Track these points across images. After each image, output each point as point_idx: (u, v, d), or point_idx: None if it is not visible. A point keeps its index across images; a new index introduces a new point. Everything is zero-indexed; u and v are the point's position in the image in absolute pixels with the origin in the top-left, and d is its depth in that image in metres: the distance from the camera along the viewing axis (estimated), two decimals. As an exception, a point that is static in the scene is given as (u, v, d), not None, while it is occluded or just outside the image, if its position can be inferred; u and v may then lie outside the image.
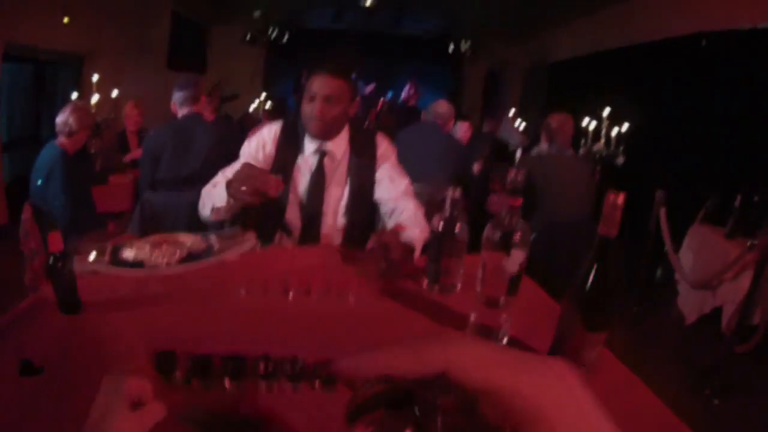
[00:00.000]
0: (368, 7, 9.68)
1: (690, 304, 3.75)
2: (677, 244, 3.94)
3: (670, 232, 3.85)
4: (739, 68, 4.97)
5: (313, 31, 11.51)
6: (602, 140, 6.51)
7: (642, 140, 6.11)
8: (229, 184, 1.64)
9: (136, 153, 4.46)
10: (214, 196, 1.80)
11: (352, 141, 2.11)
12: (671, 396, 1.04)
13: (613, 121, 6.37)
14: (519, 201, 1.08)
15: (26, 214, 3.01)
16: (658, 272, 4.57)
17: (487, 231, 1.11)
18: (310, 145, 2.07)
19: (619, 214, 0.89)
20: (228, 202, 1.70)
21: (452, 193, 1.37)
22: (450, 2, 9.31)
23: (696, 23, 5.49)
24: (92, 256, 1.51)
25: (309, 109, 1.97)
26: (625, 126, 6.20)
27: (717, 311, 3.46)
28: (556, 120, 3.71)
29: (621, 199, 0.89)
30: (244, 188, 1.56)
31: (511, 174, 1.06)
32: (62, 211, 3.14)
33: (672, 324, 3.87)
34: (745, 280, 3.15)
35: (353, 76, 2.05)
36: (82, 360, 1.02)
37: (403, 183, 2.08)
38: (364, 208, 2.12)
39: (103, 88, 5.73)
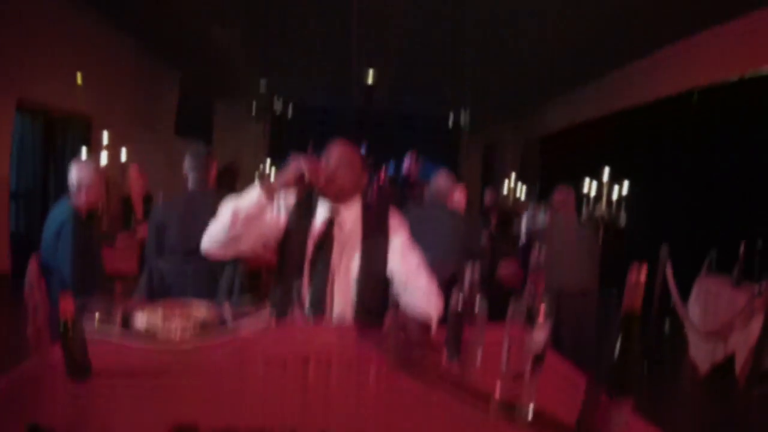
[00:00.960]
0: (370, 85, 10.05)
1: (702, 354, 3.69)
2: (683, 297, 3.92)
3: (676, 285, 3.84)
4: (730, 118, 5.13)
5: (317, 108, 11.96)
6: (603, 203, 6.62)
7: (642, 199, 6.20)
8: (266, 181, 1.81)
9: (143, 228, 4.38)
10: (239, 202, 1.83)
11: (365, 213, 2.13)
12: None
13: (612, 184, 6.49)
14: (542, 278, 1.10)
15: (33, 266, 2.97)
16: (667, 326, 4.53)
17: (512, 307, 1.12)
18: (322, 212, 2.07)
19: (642, 288, 0.91)
20: (259, 199, 1.79)
21: (471, 273, 1.38)
22: (447, 81, 9.71)
23: (686, 81, 5.71)
24: (103, 321, 1.49)
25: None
26: (625, 188, 6.30)
27: (729, 358, 3.41)
28: (560, 194, 3.73)
29: (644, 273, 0.90)
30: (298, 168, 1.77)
31: (534, 253, 1.08)
32: (70, 270, 3.10)
33: (685, 377, 3.80)
34: (756, 326, 3.13)
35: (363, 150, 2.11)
36: (92, 428, 0.98)
37: (415, 257, 2.08)
38: (376, 280, 2.10)
39: (112, 148, 5.81)
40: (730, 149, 5.02)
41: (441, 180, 3.92)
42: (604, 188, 6.69)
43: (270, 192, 1.80)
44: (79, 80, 5.76)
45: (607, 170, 6.67)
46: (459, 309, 1.40)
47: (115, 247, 4.17)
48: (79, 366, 1.17)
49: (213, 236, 1.89)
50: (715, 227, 4.75)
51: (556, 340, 1.16)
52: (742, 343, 3.27)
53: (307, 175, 1.77)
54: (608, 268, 3.59)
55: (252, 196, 1.80)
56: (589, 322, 3.00)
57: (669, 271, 3.88)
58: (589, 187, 6.79)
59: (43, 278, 2.99)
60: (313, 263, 2.04)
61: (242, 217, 1.81)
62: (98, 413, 1.02)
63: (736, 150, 4.94)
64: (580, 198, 6.60)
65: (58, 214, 3.22)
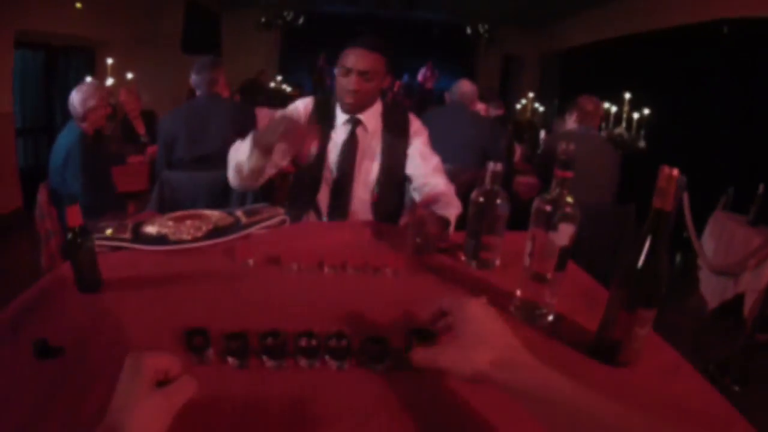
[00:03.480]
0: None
1: (712, 289, 3.70)
2: (698, 230, 3.88)
3: (692, 217, 3.78)
4: (762, 56, 4.84)
5: (329, 15, 11.41)
6: (623, 124, 6.51)
7: (663, 126, 6.04)
8: (259, 134, 1.68)
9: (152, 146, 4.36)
10: (238, 151, 1.79)
11: (385, 116, 2.09)
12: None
13: (633, 106, 6.34)
14: (569, 173, 1.04)
15: (42, 195, 2.98)
16: (678, 258, 4.52)
17: (536, 204, 1.06)
18: (342, 117, 2.05)
19: (674, 188, 0.85)
20: (252, 154, 1.71)
21: (493, 167, 1.32)
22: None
23: (717, 9, 5.35)
24: (113, 232, 1.44)
25: (344, 83, 1.94)
26: (646, 111, 6.16)
27: (738, 298, 3.40)
28: (591, 103, 3.56)
29: (676, 172, 0.84)
30: (281, 133, 1.63)
31: (562, 145, 1.01)
32: (82, 193, 3.11)
33: (693, 310, 3.82)
34: (768, 269, 3.09)
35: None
36: (105, 340, 0.94)
37: (434, 160, 2.07)
38: (394, 183, 2.11)
39: (117, 72, 5.69)
40: (757, 87, 4.79)
41: (464, 85, 4.00)
42: (624, 108, 6.56)
43: (265, 150, 1.72)
44: (78, 5, 5.52)
45: (626, 91, 6.49)
46: (479, 204, 1.35)
47: (125, 165, 4.18)
48: (88, 278, 1.13)
49: (233, 180, 1.87)
50: (736, 164, 4.63)
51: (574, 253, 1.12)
52: (752, 285, 3.25)
53: (294, 143, 1.75)
54: (625, 187, 3.54)
55: (247, 153, 1.73)
56: (606, 236, 2.95)
57: (686, 202, 3.81)
58: (610, 105, 6.66)
59: (54, 206, 3.01)
60: (333, 167, 2.05)
61: (246, 172, 1.78)
62: (110, 325, 1.00)
63: (763, 88, 4.71)
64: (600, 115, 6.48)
65: (65, 139, 3.22)
